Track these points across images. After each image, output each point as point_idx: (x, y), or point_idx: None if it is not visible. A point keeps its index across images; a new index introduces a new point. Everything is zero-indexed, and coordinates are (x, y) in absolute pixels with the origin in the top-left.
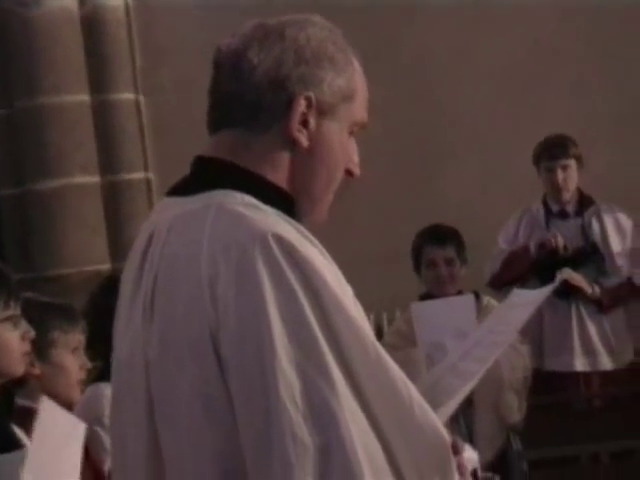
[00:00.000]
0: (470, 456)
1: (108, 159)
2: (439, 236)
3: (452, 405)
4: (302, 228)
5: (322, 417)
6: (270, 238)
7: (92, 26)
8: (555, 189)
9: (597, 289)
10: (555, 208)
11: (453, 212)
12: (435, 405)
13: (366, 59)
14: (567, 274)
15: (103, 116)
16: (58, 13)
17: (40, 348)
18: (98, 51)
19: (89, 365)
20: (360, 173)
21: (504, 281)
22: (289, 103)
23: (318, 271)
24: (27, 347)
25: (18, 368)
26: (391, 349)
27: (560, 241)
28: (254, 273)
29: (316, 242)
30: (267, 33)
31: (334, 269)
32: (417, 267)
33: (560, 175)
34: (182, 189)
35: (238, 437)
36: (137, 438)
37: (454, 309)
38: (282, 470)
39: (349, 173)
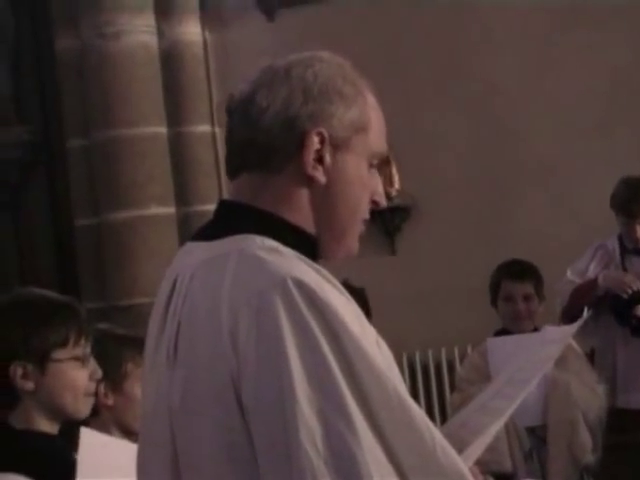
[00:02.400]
0: None
1: (183, 191)
2: (518, 271)
3: (481, 444)
4: (321, 269)
5: (344, 462)
6: (290, 282)
7: (170, 60)
8: (633, 241)
9: None
10: (631, 245)
11: (526, 247)
12: (464, 445)
13: (437, 91)
14: None
15: (179, 148)
16: (137, 47)
17: (113, 380)
18: (175, 85)
19: None
20: (433, 206)
21: (573, 314)
22: (301, 141)
23: (338, 314)
24: (93, 387)
25: (83, 409)
26: (466, 383)
27: (635, 285)
28: (274, 318)
29: (336, 283)
30: (274, 75)
31: (355, 310)
32: (494, 301)
33: (639, 230)
34: (205, 234)
35: None
36: None
37: (529, 346)
38: None
39: (375, 204)
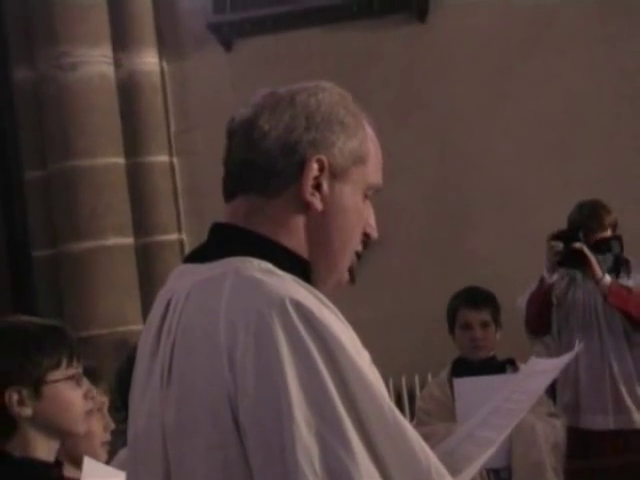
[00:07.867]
0: None
1: (142, 221)
2: (475, 299)
3: (471, 472)
4: (318, 293)
5: None
6: (288, 303)
7: (128, 91)
8: None
9: (608, 278)
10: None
11: (484, 273)
12: (453, 472)
13: (394, 119)
14: (580, 246)
15: (137, 178)
16: (94, 78)
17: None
18: (133, 115)
19: (113, 426)
20: (390, 234)
21: (534, 320)
22: (301, 167)
23: (336, 336)
24: (89, 405)
25: (81, 427)
26: (428, 416)
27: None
28: (272, 339)
29: (332, 307)
30: (278, 100)
31: (351, 334)
32: (452, 329)
33: None
34: (199, 255)
35: None
36: None
37: (497, 387)
38: None
39: (366, 236)
